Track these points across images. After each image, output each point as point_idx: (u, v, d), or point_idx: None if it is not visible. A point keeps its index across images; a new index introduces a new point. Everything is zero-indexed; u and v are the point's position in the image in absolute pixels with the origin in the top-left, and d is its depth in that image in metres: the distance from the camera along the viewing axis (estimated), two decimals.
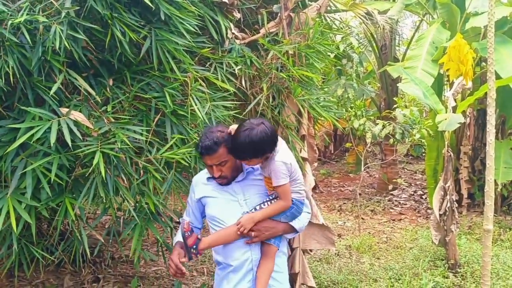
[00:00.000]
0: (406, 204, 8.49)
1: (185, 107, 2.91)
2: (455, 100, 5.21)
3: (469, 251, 5.54)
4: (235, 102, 3.32)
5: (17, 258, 2.59)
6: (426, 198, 8.64)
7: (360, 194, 8.28)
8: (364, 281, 4.82)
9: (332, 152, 13.73)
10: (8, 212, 2.32)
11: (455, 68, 4.69)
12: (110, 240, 5.06)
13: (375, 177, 11.02)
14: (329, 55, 4.15)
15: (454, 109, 5.20)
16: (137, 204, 2.89)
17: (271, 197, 2.28)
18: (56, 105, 2.50)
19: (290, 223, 2.30)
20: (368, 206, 8.27)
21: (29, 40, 2.34)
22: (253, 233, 2.20)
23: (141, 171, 2.69)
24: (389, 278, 4.88)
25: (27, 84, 2.48)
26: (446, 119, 4.71)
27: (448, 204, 4.99)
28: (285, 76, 3.41)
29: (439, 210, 5.04)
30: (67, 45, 2.40)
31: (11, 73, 2.30)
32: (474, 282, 4.72)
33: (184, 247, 2.17)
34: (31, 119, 2.41)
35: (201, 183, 2.37)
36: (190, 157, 2.84)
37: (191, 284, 4.68)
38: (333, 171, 12.07)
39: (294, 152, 3.57)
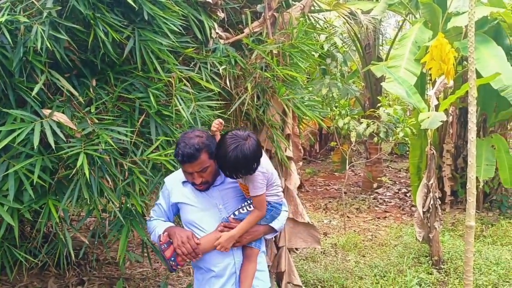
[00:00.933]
0: (390, 202, 8.59)
1: (170, 108, 2.89)
2: (437, 98, 5.29)
3: (452, 247, 5.62)
4: (220, 102, 3.32)
5: None
6: (410, 196, 8.74)
7: (345, 193, 8.34)
8: (350, 278, 4.86)
9: (318, 151, 13.80)
10: None
11: (437, 67, 4.77)
12: (96, 242, 5.01)
13: (360, 175, 11.11)
14: (313, 55, 4.16)
15: (437, 108, 5.27)
16: (122, 206, 2.87)
17: (250, 201, 2.28)
18: (38, 106, 2.47)
19: (270, 224, 2.32)
20: (353, 205, 8.34)
21: (10, 40, 2.31)
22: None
23: (126, 172, 2.67)
24: (374, 275, 4.93)
25: (8, 85, 2.45)
26: (428, 117, 4.77)
27: (431, 201, 5.06)
28: (269, 76, 3.43)
29: (423, 207, 5.11)
30: (49, 45, 2.37)
31: None
32: (457, 278, 4.79)
33: (162, 259, 2.16)
34: (13, 121, 2.38)
35: (177, 186, 2.33)
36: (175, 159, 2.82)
37: (177, 285, 4.66)
38: (319, 170, 12.13)
39: (279, 151, 3.59)
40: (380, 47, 10.18)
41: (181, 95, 2.96)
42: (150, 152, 2.74)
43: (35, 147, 2.31)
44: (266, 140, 3.65)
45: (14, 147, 2.35)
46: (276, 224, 2.35)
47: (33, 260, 2.74)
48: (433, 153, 5.10)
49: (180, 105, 2.89)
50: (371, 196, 8.96)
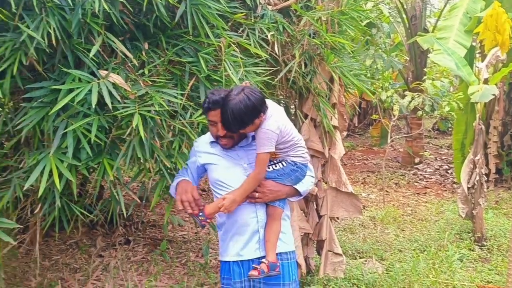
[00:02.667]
0: (431, 178, 8.44)
1: (219, 72, 2.91)
2: (487, 72, 5.09)
3: (496, 225, 5.51)
4: (267, 69, 3.32)
5: (58, 215, 2.69)
6: (452, 172, 8.57)
7: (384, 167, 8.24)
8: (389, 251, 4.86)
9: (356, 125, 13.63)
10: (50, 171, 2.40)
11: (491, 38, 4.57)
12: (142, 204, 5.20)
13: (399, 150, 10.94)
14: (360, 23, 4.07)
15: (486, 81, 5.08)
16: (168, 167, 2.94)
17: (275, 161, 2.30)
18: (95, 67, 2.54)
19: (295, 186, 2.32)
20: (392, 179, 8.26)
21: (70, 2, 2.37)
22: (256, 194, 2.23)
23: (177, 134, 2.73)
24: (414, 249, 4.91)
25: (67, 46, 2.52)
26: (479, 90, 4.61)
27: (477, 177, 4.95)
28: (318, 43, 3.38)
29: (467, 183, 5.00)
30: (106, 7, 2.41)
31: (52, 35, 2.34)
32: (500, 255, 4.71)
33: (193, 219, 2.20)
34: (72, 80, 2.46)
35: (206, 148, 2.37)
36: None
37: (217, 249, 4.78)
38: (357, 144, 12.02)
39: (325, 120, 3.57)
40: (427, 19, 9.81)
41: (230, 60, 2.97)
42: (198, 115, 2.78)
43: (93, 106, 2.38)
44: (311, 108, 3.64)
45: (72, 106, 2.43)
46: (301, 186, 2.34)
47: (88, 215, 2.87)
48: (481, 128, 4.95)
49: (230, 70, 2.90)
50: (411, 172, 8.82)
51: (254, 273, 2.17)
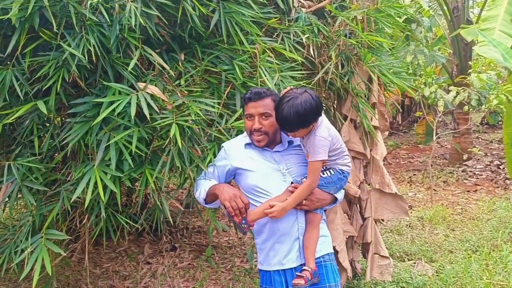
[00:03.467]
0: (481, 175, 8.10)
1: (255, 79, 2.92)
2: None
3: None
4: (303, 72, 3.29)
5: (104, 225, 2.78)
6: (504, 168, 8.19)
7: (431, 165, 7.98)
8: (439, 252, 4.70)
9: (400, 123, 13.32)
10: (95, 183, 2.48)
11: None
12: (188, 211, 5.29)
13: (446, 147, 10.58)
14: (398, 19, 3.97)
15: None
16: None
17: (323, 169, 2.26)
18: (134, 80, 2.61)
19: (335, 194, 2.31)
20: (440, 177, 7.99)
21: (107, 18, 2.45)
22: (304, 201, 2.21)
23: (212, 140, 2.76)
24: (465, 249, 4.72)
25: (106, 61, 2.60)
26: None
27: None
28: (354, 43, 3.33)
29: None
30: (142, 21, 2.48)
31: (92, 51, 2.42)
32: None
33: (234, 225, 2.19)
34: (112, 93, 2.54)
35: (239, 149, 2.33)
36: None
37: None
38: (401, 142, 11.73)
39: (365, 120, 3.51)
40: (470, 10, 9.45)
41: (265, 66, 2.97)
42: (234, 121, 2.80)
43: (132, 118, 2.45)
44: (350, 109, 3.58)
45: (113, 120, 2.51)
46: (340, 195, 2.35)
47: (133, 224, 2.94)
48: None
49: (265, 76, 2.90)
50: (460, 169, 8.50)
51: (300, 281, 2.13)
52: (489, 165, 8.74)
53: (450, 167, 8.68)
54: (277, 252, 2.26)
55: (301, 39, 3.25)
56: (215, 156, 2.55)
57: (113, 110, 2.44)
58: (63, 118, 2.87)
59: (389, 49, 3.96)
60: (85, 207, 2.52)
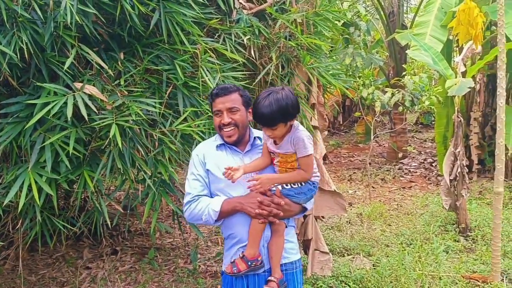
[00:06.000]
0: (416, 172, 8.53)
1: (196, 79, 2.93)
2: (464, 65, 5.18)
3: (480, 215, 5.59)
4: (245, 73, 3.34)
5: (40, 230, 2.68)
6: (436, 165, 8.67)
7: (370, 164, 8.31)
8: (376, 246, 4.91)
9: (341, 123, 13.73)
10: (29, 185, 2.39)
11: (465, 32, 4.63)
12: (128, 213, 5.17)
13: (384, 146, 11.04)
14: (337, 23, 4.12)
15: (464, 75, 5.16)
16: (152, 176, 2.94)
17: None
18: (70, 80, 2.54)
19: (304, 204, 2.27)
20: (378, 175, 8.33)
21: (41, 15, 2.37)
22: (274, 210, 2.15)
23: (156, 143, 2.73)
24: (400, 243, 4.96)
25: (41, 60, 2.52)
26: (456, 84, 4.69)
27: (459, 169, 5.02)
28: (294, 45, 3.42)
29: (450, 175, 5.07)
30: (78, 19, 2.42)
31: (25, 49, 2.33)
32: (484, 245, 4.78)
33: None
34: (47, 94, 2.46)
35: (211, 153, 2.25)
36: (203, 130, 2.85)
37: (206, 254, 4.79)
38: (342, 141, 12.09)
39: (305, 120, 3.61)
40: (405, 15, 9.93)
41: (207, 66, 2.99)
42: (178, 123, 2.79)
43: (69, 119, 2.38)
44: None
45: (49, 120, 2.43)
46: (309, 205, 2.30)
47: (71, 228, 2.86)
48: (460, 121, 5.03)
49: (206, 76, 2.92)
50: (396, 167, 8.91)
51: None
52: (423, 162, 9.22)
53: (388, 165, 9.08)
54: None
55: (243, 40, 3.29)
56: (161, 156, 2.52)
57: (49, 111, 2.36)
58: None
59: (329, 51, 4.08)
60: (19, 211, 2.42)
